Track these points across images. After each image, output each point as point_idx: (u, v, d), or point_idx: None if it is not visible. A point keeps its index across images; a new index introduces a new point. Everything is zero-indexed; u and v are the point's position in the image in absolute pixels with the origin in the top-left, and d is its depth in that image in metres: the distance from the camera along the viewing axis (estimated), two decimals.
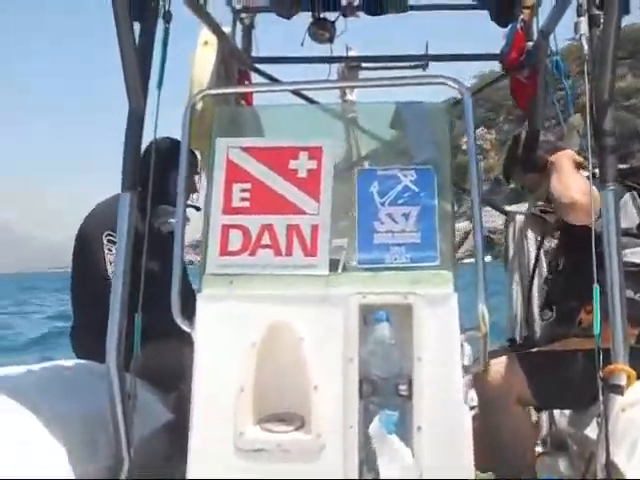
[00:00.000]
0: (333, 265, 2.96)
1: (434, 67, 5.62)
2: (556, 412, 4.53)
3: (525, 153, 4.21)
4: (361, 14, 5.33)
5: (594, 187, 3.39)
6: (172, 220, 4.16)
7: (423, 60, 5.64)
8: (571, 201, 3.60)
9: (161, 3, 3.50)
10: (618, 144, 3.20)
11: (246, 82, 5.49)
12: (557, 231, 4.32)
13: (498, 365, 3.65)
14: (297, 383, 2.80)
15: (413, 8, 5.37)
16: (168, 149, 3.88)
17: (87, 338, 4.08)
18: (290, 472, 2.74)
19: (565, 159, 3.90)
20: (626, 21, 3.25)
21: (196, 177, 4.56)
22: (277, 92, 3.90)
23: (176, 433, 3.40)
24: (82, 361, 4.00)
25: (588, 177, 3.34)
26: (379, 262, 2.90)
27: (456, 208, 2.98)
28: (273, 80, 5.51)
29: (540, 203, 4.36)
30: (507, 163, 4.40)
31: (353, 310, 2.81)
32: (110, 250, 4.12)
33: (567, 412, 4.22)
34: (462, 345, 2.78)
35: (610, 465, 2.63)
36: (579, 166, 3.90)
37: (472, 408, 2.82)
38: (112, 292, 3.19)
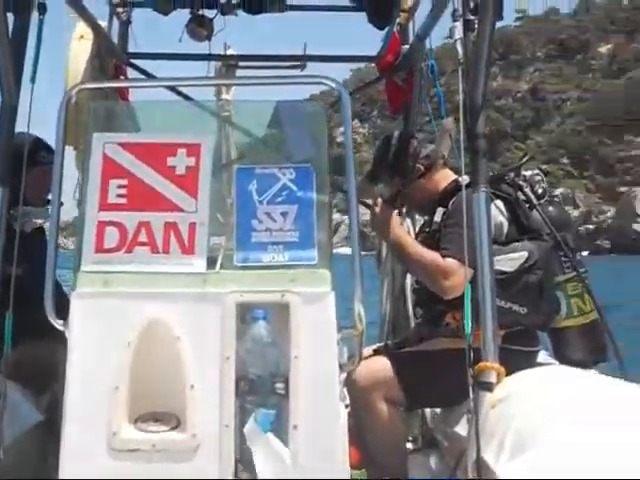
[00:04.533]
0: (211, 263, 2.94)
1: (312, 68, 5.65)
2: (427, 410, 4.61)
3: (395, 157, 4.25)
4: (240, 12, 5.30)
5: (456, 260, 3.58)
6: (36, 220, 4.04)
7: (301, 60, 5.65)
8: (445, 292, 3.73)
9: None
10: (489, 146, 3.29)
11: (122, 77, 5.40)
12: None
13: (367, 365, 3.68)
14: (173, 382, 2.77)
15: (292, 8, 5.37)
16: (22, 145, 3.48)
17: None
18: (165, 472, 2.71)
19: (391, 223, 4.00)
20: (498, 24, 3.35)
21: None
22: (153, 88, 3.86)
23: (49, 433, 3.32)
24: None
25: (460, 184, 3.40)
26: (257, 261, 2.90)
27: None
28: (149, 76, 5.44)
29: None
30: (376, 164, 4.40)
31: (230, 308, 2.80)
32: None
33: (437, 409, 4.31)
34: (338, 343, 2.81)
35: (480, 461, 2.69)
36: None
37: (347, 406, 2.85)
38: None
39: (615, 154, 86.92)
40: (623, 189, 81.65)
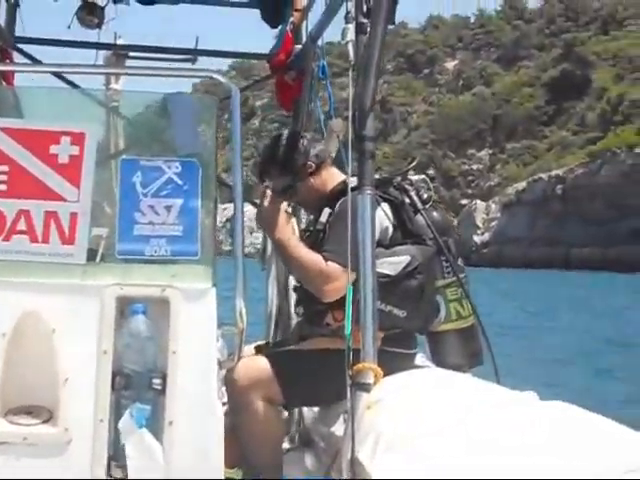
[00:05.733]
0: (91, 255, 2.90)
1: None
2: (304, 409, 4.62)
3: (284, 154, 4.26)
4: (132, 2, 5.24)
5: (338, 264, 3.60)
6: None
7: (192, 54, 5.62)
8: (325, 295, 3.77)
9: None
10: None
11: (7, 62, 5.26)
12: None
13: (246, 363, 3.66)
14: (47, 375, 2.72)
15: (185, 1, 5.34)
16: None
17: None
18: (36, 466, 2.66)
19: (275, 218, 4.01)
20: None
21: None
22: (39, 73, 3.77)
23: None
24: None
25: (344, 186, 3.42)
26: (139, 254, 2.86)
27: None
28: (36, 61, 5.31)
29: None
30: (264, 162, 4.38)
31: (109, 301, 2.76)
32: None
33: (315, 409, 4.32)
34: (218, 340, 2.80)
35: (355, 461, 2.71)
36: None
37: (223, 404, 2.84)
38: None
39: (458, 167, 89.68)
40: (465, 201, 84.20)
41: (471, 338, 4.09)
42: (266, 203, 4.00)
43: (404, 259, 3.83)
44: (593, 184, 65.47)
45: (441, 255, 4.00)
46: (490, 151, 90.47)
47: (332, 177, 4.18)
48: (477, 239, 74.74)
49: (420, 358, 4.11)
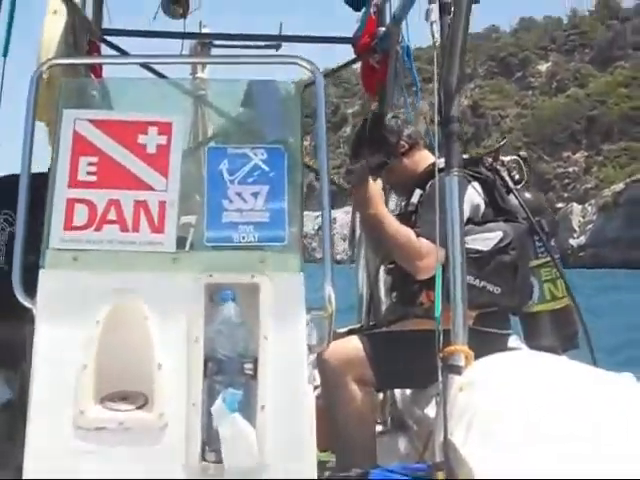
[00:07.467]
0: (180, 243, 2.93)
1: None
2: (397, 392, 4.61)
3: (376, 133, 4.24)
4: None
5: (430, 241, 3.51)
6: None
7: (276, 40, 5.63)
8: (418, 272, 3.76)
9: None
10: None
11: (95, 54, 5.35)
12: None
13: (339, 345, 3.68)
14: (141, 361, 2.76)
15: None
16: None
17: None
18: (132, 451, 2.70)
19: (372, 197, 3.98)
20: None
21: None
22: (127, 65, 3.82)
23: (19, 411, 3.30)
24: None
25: (434, 167, 3.40)
26: (227, 240, 2.88)
27: None
28: (123, 53, 5.39)
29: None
30: (356, 141, 4.42)
31: (199, 289, 2.79)
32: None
33: (408, 392, 4.31)
34: (308, 325, 2.81)
35: (448, 445, 2.70)
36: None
37: (315, 388, 2.84)
38: None
39: (553, 170, 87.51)
40: (560, 205, 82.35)
41: (566, 320, 4.03)
42: (360, 180, 3.99)
43: (496, 235, 3.80)
44: None
45: (534, 235, 3.95)
46: (586, 153, 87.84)
47: (424, 159, 4.16)
48: (573, 242, 72.94)
49: (514, 340, 4.07)
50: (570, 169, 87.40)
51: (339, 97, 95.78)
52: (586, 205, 76.80)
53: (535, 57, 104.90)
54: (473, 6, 3.29)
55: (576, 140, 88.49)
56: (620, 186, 72.88)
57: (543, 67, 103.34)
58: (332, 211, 2.96)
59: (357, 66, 5.88)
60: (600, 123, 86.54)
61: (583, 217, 75.68)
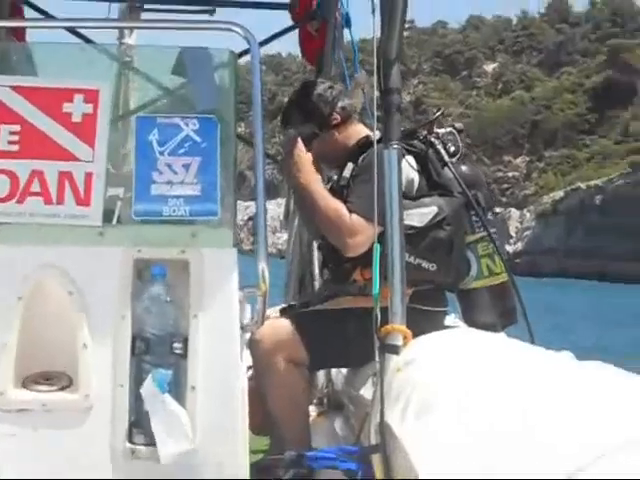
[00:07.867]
0: (107, 216, 2.83)
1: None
2: (334, 371, 4.56)
3: (309, 101, 4.14)
4: None
5: (362, 217, 3.52)
6: None
7: (210, 5, 5.50)
8: (347, 249, 3.70)
9: None
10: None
11: (18, 17, 5.17)
12: None
13: (271, 324, 3.59)
14: (65, 340, 2.66)
15: None
16: None
17: None
18: (56, 434, 2.61)
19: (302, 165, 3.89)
20: None
21: None
22: (51, 29, 3.68)
23: None
24: None
25: (371, 140, 3.33)
26: (156, 214, 2.78)
27: None
28: (48, 16, 5.21)
29: None
30: (289, 108, 4.30)
31: (127, 264, 2.69)
32: None
33: (344, 371, 4.26)
34: (241, 303, 2.73)
35: (384, 426, 2.65)
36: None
37: (248, 368, 2.77)
38: None
39: (493, 174, 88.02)
40: (498, 209, 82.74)
41: (504, 295, 3.99)
42: (291, 148, 3.89)
43: (431, 210, 3.74)
44: (633, 196, 63.37)
45: (470, 209, 3.90)
46: (527, 158, 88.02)
47: (357, 133, 4.07)
48: (509, 248, 73.11)
49: (451, 318, 4.03)
50: (510, 174, 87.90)
51: (277, 85, 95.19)
52: (524, 211, 77.17)
53: (482, 56, 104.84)
54: (420, 0, 3.22)
55: (518, 144, 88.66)
56: (560, 194, 73.11)
57: (489, 67, 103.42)
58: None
59: (298, 54, 5.79)
60: (544, 128, 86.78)
61: (521, 223, 76.04)
